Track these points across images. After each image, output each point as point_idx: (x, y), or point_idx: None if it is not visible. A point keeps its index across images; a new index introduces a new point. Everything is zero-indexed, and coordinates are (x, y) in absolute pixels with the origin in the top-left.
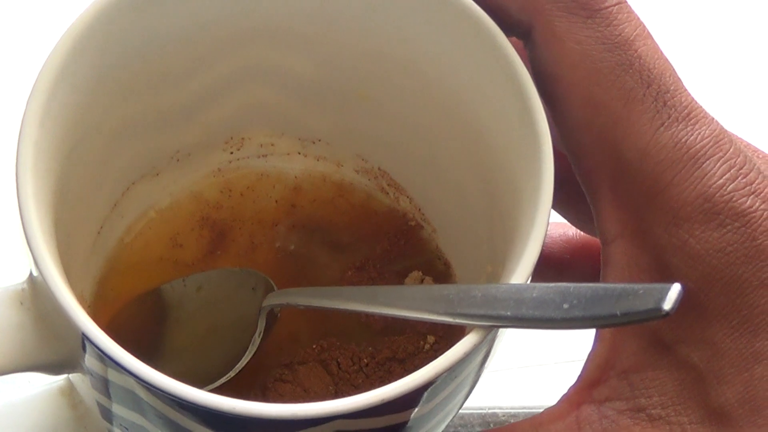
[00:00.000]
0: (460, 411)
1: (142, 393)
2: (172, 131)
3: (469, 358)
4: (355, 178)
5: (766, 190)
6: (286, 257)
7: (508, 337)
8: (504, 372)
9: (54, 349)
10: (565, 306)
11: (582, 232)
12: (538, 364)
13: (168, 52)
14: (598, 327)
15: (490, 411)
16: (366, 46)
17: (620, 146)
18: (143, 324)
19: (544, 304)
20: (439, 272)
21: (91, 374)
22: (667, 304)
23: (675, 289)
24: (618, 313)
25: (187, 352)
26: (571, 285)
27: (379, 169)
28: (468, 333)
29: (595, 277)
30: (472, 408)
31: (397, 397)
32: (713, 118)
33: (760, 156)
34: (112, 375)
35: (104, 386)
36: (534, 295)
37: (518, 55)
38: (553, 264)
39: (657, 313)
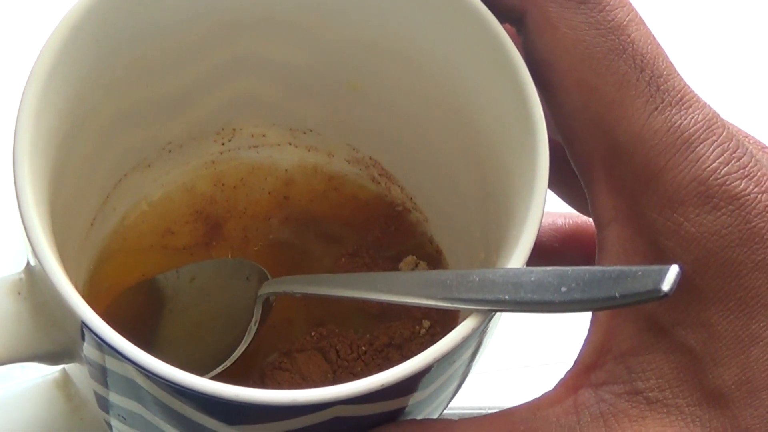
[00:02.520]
0: (459, 411)
1: (141, 381)
2: (163, 122)
3: (467, 342)
4: (347, 168)
5: (758, 174)
6: (280, 248)
7: (510, 336)
8: (504, 372)
9: (52, 338)
10: (563, 289)
11: (570, 222)
12: (539, 363)
13: (160, 43)
14: (596, 309)
15: (489, 411)
16: (357, 36)
17: (614, 131)
18: (137, 315)
19: (542, 287)
20: (432, 259)
21: (90, 363)
22: (666, 285)
23: (673, 271)
24: (617, 295)
25: (182, 343)
26: (569, 268)
27: (370, 158)
28: (465, 317)
29: (584, 265)
30: (472, 408)
31: (397, 382)
32: (706, 103)
33: (751, 141)
34: (111, 363)
35: (102, 375)
36: (532, 278)
37: (512, 42)
38: (542, 253)
39: (656, 294)
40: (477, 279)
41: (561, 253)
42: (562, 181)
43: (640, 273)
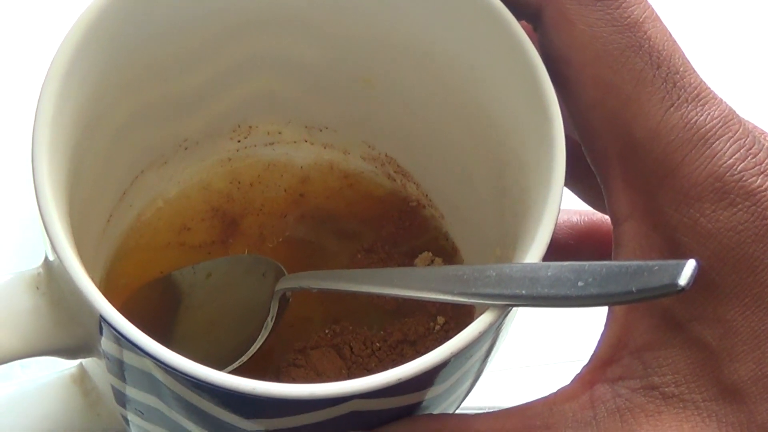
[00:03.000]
0: (461, 410)
1: (159, 375)
2: (180, 120)
3: (483, 337)
4: (362, 165)
5: None
6: (296, 246)
7: (510, 336)
8: (505, 372)
9: (70, 333)
10: (580, 284)
11: (586, 219)
12: (540, 363)
13: (175, 42)
14: (613, 304)
15: (490, 411)
16: (373, 33)
17: (630, 127)
18: (153, 312)
19: (559, 282)
20: (447, 255)
21: (107, 358)
22: (683, 280)
23: (690, 265)
24: (633, 289)
25: (198, 339)
26: (586, 263)
27: (386, 155)
28: (482, 312)
29: None
30: (473, 408)
31: (415, 376)
32: (722, 99)
33: (767, 137)
34: (129, 357)
35: (120, 369)
36: (549, 273)
37: (528, 38)
38: (557, 250)
39: (672, 289)
40: (494, 274)
41: (576, 250)
42: (578, 178)
43: (656, 268)
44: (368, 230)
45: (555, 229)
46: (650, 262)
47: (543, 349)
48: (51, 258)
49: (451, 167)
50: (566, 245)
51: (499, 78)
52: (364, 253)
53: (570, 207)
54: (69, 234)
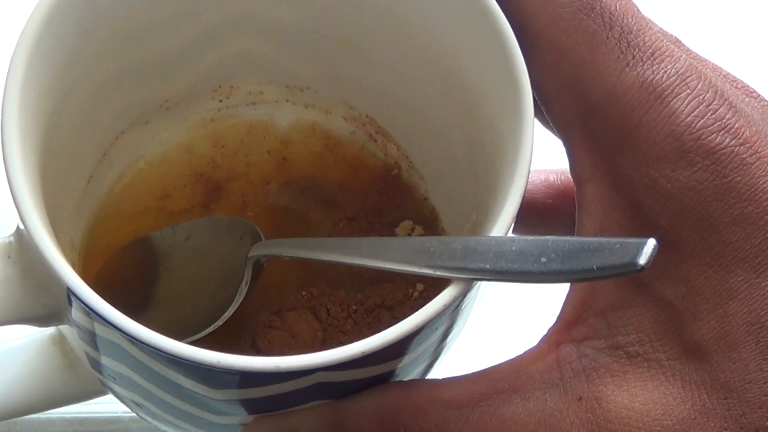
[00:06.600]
0: None
1: (127, 346)
2: (160, 81)
3: (448, 310)
4: (344, 126)
5: (736, 125)
6: (278, 212)
7: (508, 338)
8: None
9: (41, 302)
10: (543, 260)
11: (563, 177)
12: None
13: (154, 1)
14: (575, 281)
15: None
16: None
17: (587, 89)
18: (133, 272)
19: (523, 257)
20: (427, 220)
21: (78, 327)
22: (642, 259)
23: (650, 245)
24: (594, 267)
25: (176, 301)
26: (549, 238)
27: (366, 116)
28: (449, 285)
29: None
30: None
31: (378, 349)
32: (681, 55)
33: (739, 86)
34: (98, 329)
35: (91, 339)
36: (513, 248)
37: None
38: (535, 209)
39: (632, 268)
40: (460, 247)
41: (554, 209)
42: None
43: (617, 246)
44: (351, 198)
45: (530, 190)
46: (612, 240)
47: None
48: (21, 228)
49: (430, 129)
50: (545, 204)
51: (471, 44)
52: (347, 222)
53: (547, 167)
54: (39, 203)
